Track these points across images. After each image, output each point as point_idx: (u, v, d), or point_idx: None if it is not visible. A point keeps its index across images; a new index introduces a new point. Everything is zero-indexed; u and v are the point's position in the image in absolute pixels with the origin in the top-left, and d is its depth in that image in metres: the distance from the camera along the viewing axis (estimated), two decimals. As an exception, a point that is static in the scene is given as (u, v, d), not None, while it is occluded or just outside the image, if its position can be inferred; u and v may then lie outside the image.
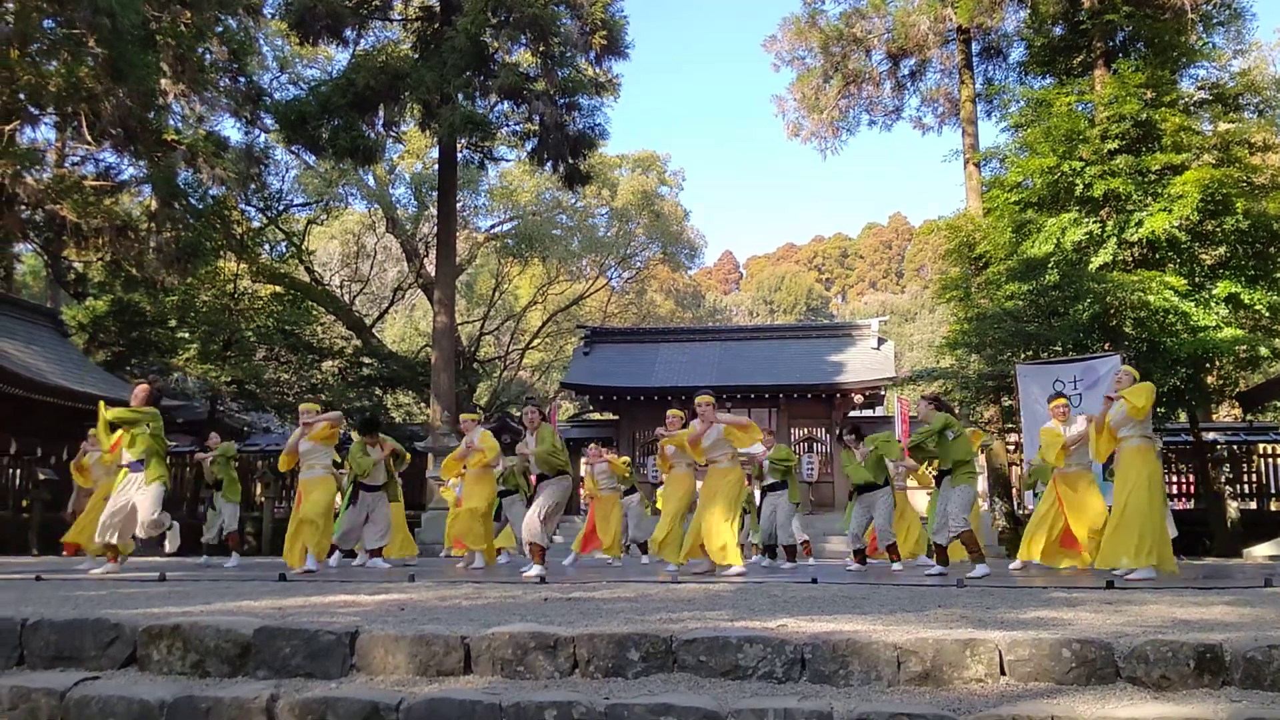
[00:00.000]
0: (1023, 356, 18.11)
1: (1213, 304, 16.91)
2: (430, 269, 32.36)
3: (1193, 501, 20.65)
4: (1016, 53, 24.40)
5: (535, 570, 8.92)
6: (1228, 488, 20.15)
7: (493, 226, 40.66)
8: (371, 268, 40.78)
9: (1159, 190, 17.39)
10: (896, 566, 11.39)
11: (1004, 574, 9.74)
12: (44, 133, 23.27)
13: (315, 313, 32.27)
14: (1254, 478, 21.59)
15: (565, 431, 23.94)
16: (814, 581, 8.33)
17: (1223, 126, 18.96)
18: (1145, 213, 17.24)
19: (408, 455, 13.37)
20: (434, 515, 20.33)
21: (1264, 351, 17.14)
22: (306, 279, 34.55)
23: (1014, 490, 20.56)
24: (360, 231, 40.48)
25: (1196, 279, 17.59)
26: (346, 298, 38.50)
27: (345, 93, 22.84)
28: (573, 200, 39.92)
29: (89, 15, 17.91)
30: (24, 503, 19.70)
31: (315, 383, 30.24)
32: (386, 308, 41.47)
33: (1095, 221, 18.09)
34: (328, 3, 22.82)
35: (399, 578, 8.87)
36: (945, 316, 36.77)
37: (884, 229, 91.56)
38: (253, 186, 27.19)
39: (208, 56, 22.36)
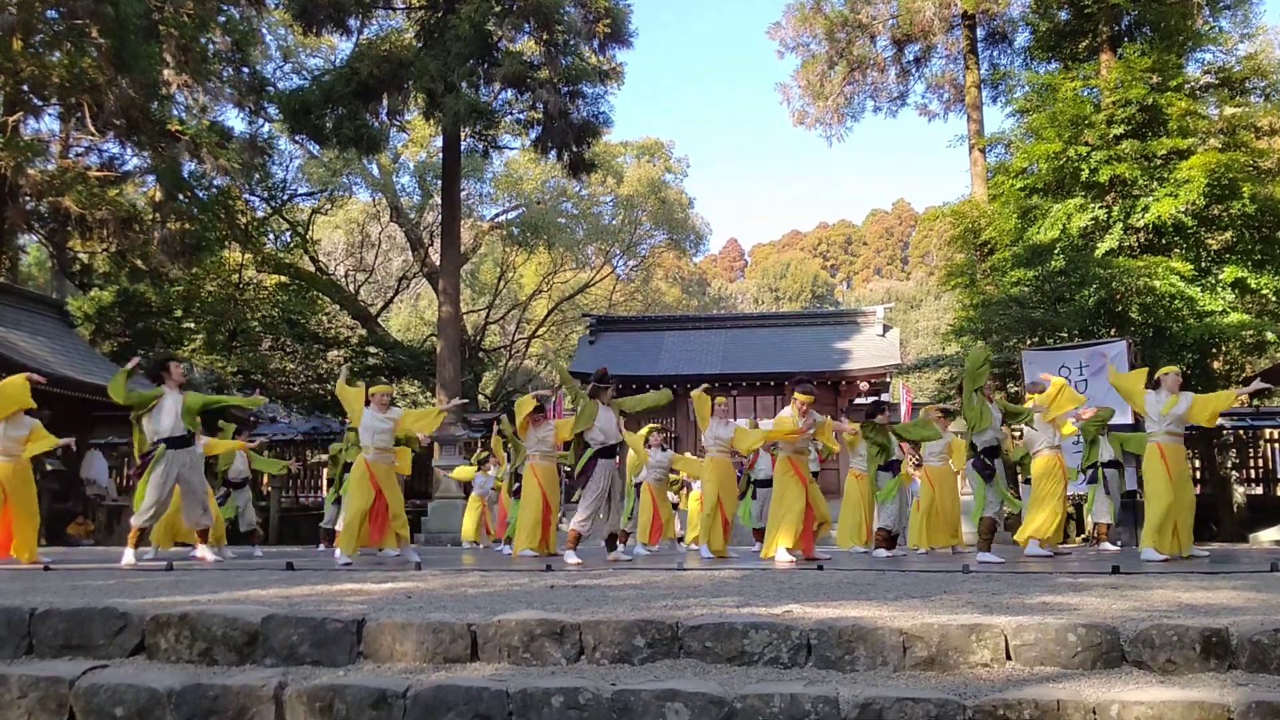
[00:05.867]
0: (1029, 343, 18.09)
1: (1219, 289, 16.87)
2: (435, 258, 32.36)
3: (1199, 487, 20.62)
4: (1022, 38, 24.35)
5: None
6: (1234, 473, 20.10)
7: (497, 215, 40.66)
8: (376, 257, 40.76)
9: (1165, 175, 17.34)
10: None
11: (1011, 560, 9.73)
12: (48, 123, 23.34)
13: (320, 302, 32.32)
14: (1260, 463, 21.54)
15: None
16: (819, 568, 8.33)
17: (1229, 111, 18.88)
18: (1151, 198, 17.20)
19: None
20: (440, 505, 20.34)
21: (1270, 336, 17.11)
22: (311, 269, 34.56)
23: (1019, 476, 20.53)
24: (365, 221, 40.45)
25: (1203, 264, 17.54)
26: (351, 287, 38.51)
27: (349, 82, 22.82)
28: (578, 188, 39.89)
29: (91, 5, 17.94)
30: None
31: (321, 372, 30.29)
32: (391, 297, 41.48)
33: (1101, 207, 18.04)
34: (331, -8, 22.82)
35: (406, 566, 8.89)
36: (951, 303, 36.75)
37: (888, 215, 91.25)
38: (257, 176, 27.21)
39: (211, 47, 22.36)
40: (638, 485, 13.41)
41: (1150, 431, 9.46)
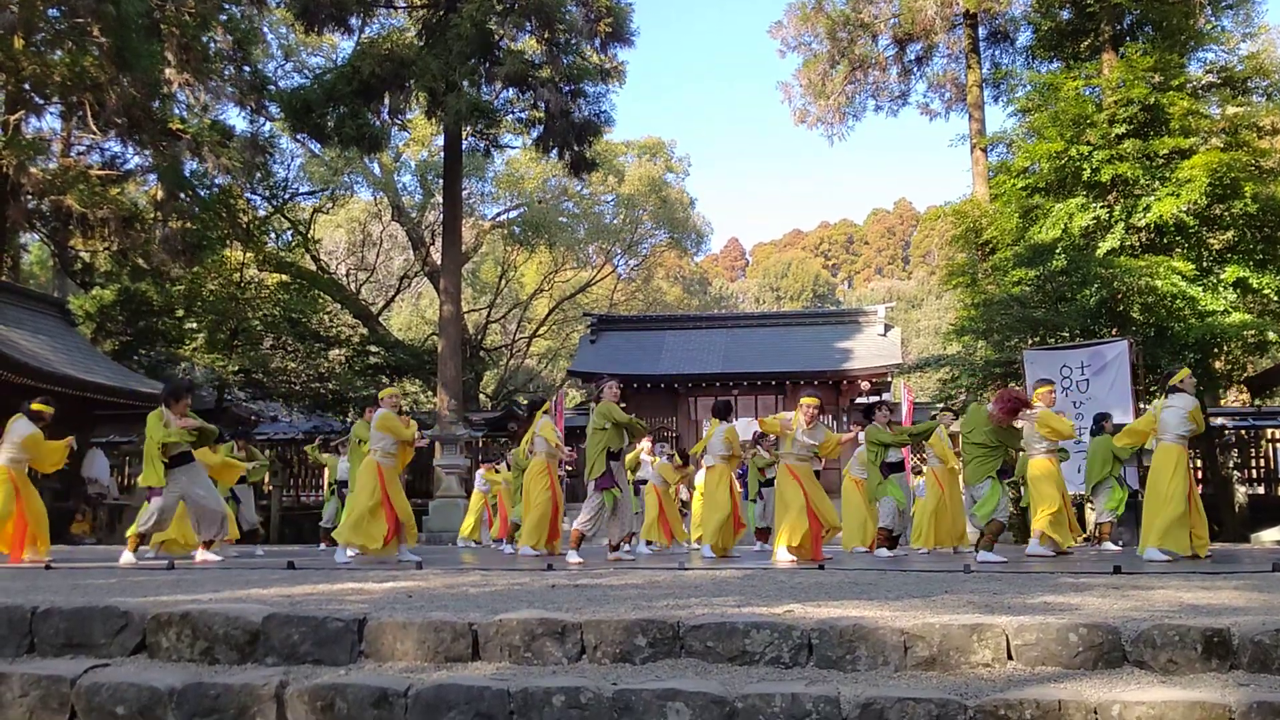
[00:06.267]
0: (1030, 342, 18.07)
1: (1221, 288, 16.84)
2: (436, 257, 32.36)
3: (1201, 487, 20.64)
4: (1024, 37, 24.33)
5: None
6: (1235, 473, 20.10)
7: (499, 214, 40.64)
8: (377, 256, 40.75)
9: (1167, 174, 17.31)
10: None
11: (1013, 560, 9.73)
12: (49, 122, 23.32)
13: (322, 301, 32.29)
14: (1262, 463, 21.55)
15: (572, 420, 23.99)
16: (820, 567, 8.33)
17: (1231, 110, 18.85)
18: (1153, 197, 17.17)
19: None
20: (441, 504, 20.34)
21: (1272, 336, 17.08)
22: (313, 268, 34.55)
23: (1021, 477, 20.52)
24: (366, 220, 40.45)
25: (1204, 263, 17.51)
26: (353, 286, 38.50)
27: (350, 81, 22.80)
28: (579, 187, 39.86)
29: (93, 4, 17.93)
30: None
31: (322, 371, 30.30)
32: (393, 296, 41.46)
33: (1103, 206, 18.02)
34: (332, -10, 22.80)
35: (408, 566, 8.90)
36: (952, 303, 36.70)
37: (890, 215, 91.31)
38: (258, 175, 27.16)
39: (212, 45, 22.33)
40: (639, 485, 13.46)
41: (1177, 433, 9.38)
